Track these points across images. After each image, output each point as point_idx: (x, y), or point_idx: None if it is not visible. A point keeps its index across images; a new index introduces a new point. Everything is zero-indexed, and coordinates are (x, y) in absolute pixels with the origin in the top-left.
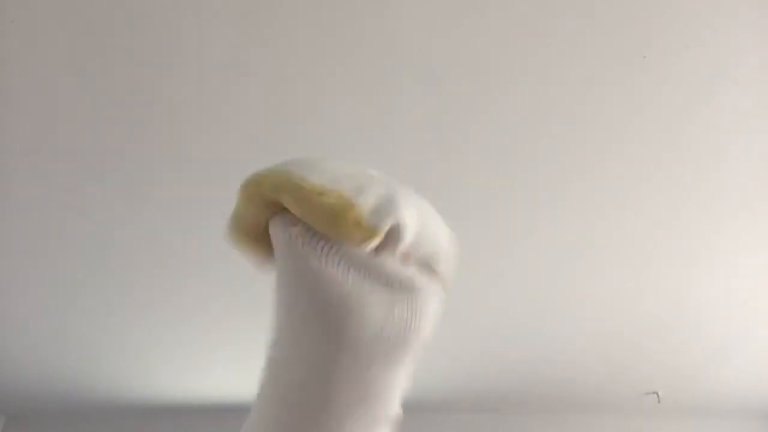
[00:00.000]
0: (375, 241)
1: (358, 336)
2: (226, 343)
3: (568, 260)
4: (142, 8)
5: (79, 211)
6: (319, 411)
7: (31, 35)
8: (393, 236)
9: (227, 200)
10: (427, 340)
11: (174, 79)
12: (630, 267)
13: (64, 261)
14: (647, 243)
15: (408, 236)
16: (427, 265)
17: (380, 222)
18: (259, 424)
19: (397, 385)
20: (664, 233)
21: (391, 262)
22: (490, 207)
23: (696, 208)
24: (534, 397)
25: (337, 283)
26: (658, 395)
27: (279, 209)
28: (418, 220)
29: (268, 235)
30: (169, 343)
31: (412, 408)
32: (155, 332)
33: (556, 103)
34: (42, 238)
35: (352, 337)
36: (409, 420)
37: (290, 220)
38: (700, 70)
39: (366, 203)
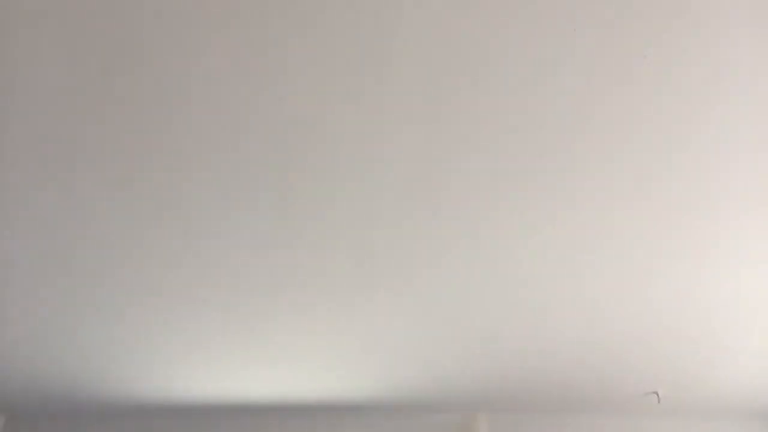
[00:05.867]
0: None
1: None
2: (228, 343)
3: (568, 260)
4: (143, 10)
5: (77, 210)
6: None
7: (32, 36)
8: None
9: (231, 201)
10: None
11: (174, 84)
12: (630, 267)
13: (63, 260)
14: (648, 243)
15: None
16: None
17: None
18: None
19: None
20: (664, 234)
21: None
22: (490, 207)
23: (697, 209)
24: (533, 396)
25: None
26: (658, 395)
27: None
28: None
29: None
30: (169, 343)
31: (410, 408)
32: (156, 332)
33: (556, 102)
34: (41, 236)
35: None
36: (408, 420)
37: None
38: (701, 69)
39: None
